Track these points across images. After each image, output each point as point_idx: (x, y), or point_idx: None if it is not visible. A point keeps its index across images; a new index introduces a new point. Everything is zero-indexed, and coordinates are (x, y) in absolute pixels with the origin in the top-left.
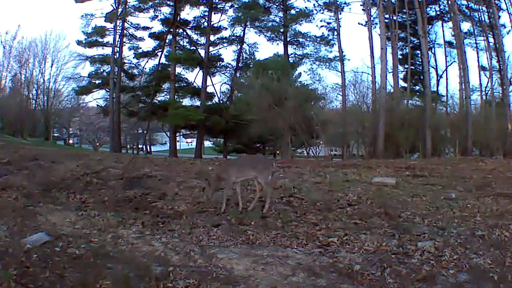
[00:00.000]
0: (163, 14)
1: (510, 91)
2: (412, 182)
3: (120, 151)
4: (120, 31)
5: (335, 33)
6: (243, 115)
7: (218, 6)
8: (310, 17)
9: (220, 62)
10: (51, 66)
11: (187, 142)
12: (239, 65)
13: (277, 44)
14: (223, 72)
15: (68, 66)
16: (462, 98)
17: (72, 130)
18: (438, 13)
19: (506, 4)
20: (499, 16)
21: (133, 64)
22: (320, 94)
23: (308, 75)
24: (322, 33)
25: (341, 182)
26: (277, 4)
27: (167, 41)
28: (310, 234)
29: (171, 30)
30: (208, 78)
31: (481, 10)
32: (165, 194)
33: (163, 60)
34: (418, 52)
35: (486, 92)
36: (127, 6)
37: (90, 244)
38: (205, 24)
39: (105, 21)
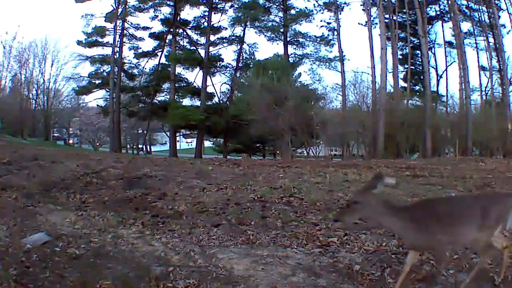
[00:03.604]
0: (163, 14)
1: (510, 91)
2: (412, 182)
3: (120, 151)
4: (120, 31)
5: (335, 33)
6: (243, 115)
7: (218, 6)
8: (310, 17)
9: (220, 62)
10: (51, 66)
11: (187, 142)
12: (239, 65)
13: (277, 44)
14: (223, 72)
15: (68, 66)
16: (462, 98)
17: (72, 130)
18: (438, 13)
19: (506, 4)
20: (499, 16)
21: (133, 64)
22: (320, 94)
23: (308, 75)
24: (322, 33)
25: (341, 182)
26: (277, 4)
27: (167, 41)
28: (310, 234)
29: (171, 30)
30: (208, 78)
31: (481, 10)
32: (165, 194)
33: (163, 60)
34: (418, 52)
35: (486, 92)
36: (127, 6)
37: (90, 244)
38: (205, 24)
39: (105, 21)
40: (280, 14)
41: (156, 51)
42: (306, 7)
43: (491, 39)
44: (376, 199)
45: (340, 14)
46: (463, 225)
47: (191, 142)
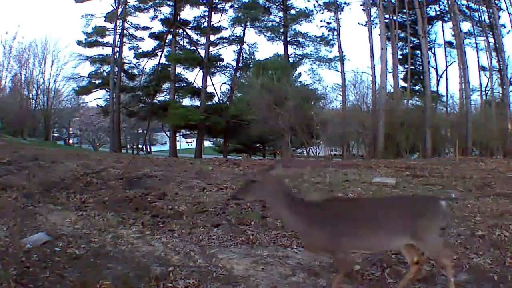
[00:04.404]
0: (163, 14)
1: (510, 91)
2: (412, 182)
3: (120, 151)
4: (120, 31)
5: (335, 33)
6: (243, 115)
7: (218, 6)
8: (310, 17)
9: (220, 62)
10: (51, 66)
11: (187, 142)
12: (239, 65)
13: (277, 44)
14: (223, 72)
15: (68, 66)
16: (462, 98)
17: (72, 130)
18: (438, 13)
19: (506, 4)
20: (499, 16)
21: (133, 64)
22: (320, 94)
23: (308, 75)
24: (322, 33)
25: (341, 182)
26: (277, 4)
27: (167, 41)
28: None
29: (171, 30)
30: (208, 78)
31: (481, 10)
32: (165, 194)
33: (163, 60)
34: (418, 52)
35: (486, 92)
36: (127, 6)
37: (90, 244)
38: (205, 24)
39: (105, 21)
40: (280, 14)
41: (156, 51)
42: (306, 7)
43: (491, 39)
44: (274, 183)
45: (340, 14)
46: (379, 232)
47: (191, 142)
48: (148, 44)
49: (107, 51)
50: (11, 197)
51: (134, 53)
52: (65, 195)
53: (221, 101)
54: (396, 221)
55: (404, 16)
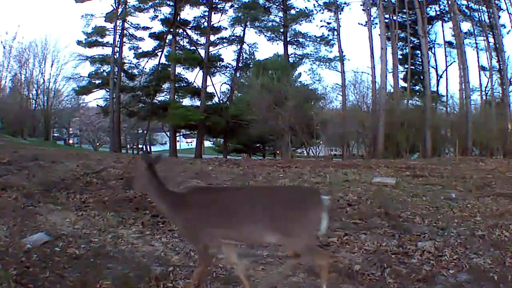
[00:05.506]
0: (163, 14)
1: (510, 91)
2: (412, 182)
3: (120, 151)
4: (120, 31)
5: (335, 33)
6: (243, 115)
7: (218, 6)
8: (310, 17)
9: (220, 62)
10: (51, 66)
11: (187, 142)
12: (239, 65)
13: (277, 44)
14: (223, 72)
15: (68, 66)
16: (462, 98)
17: (72, 130)
18: (438, 13)
19: (506, 4)
20: (499, 16)
21: (133, 64)
22: (320, 94)
23: (308, 75)
24: (322, 33)
25: (341, 182)
26: (277, 4)
27: (167, 41)
28: None
29: (171, 30)
30: (208, 78)
31: (481, 10)
32: None
33: (163, 60)
34: (418, 52)
35: (486, 92)
36: (127, 6)
37: (90, 244)
38: (205, 24)
39: (105, 21)
40: (280, 14)
41: (156, 51)
42: (306, 7)
43: (491, 39)
44: (144, 174)
45: (340, 14)
46: (246, 223)
47: (191, 142)
48: (148, 44)
49: (107, 51)
50: (11, 197)
51: (134, 53)
52: (65, 195)
53: (221, 101)
54: (264, 212)
55: (404, 16)
